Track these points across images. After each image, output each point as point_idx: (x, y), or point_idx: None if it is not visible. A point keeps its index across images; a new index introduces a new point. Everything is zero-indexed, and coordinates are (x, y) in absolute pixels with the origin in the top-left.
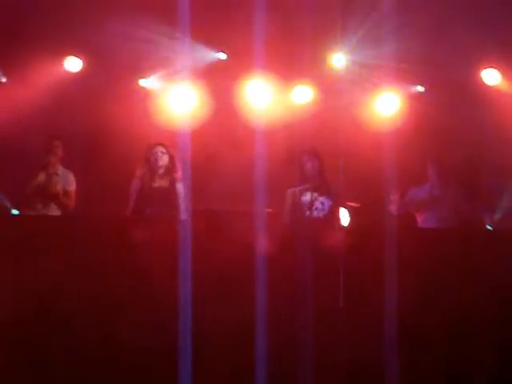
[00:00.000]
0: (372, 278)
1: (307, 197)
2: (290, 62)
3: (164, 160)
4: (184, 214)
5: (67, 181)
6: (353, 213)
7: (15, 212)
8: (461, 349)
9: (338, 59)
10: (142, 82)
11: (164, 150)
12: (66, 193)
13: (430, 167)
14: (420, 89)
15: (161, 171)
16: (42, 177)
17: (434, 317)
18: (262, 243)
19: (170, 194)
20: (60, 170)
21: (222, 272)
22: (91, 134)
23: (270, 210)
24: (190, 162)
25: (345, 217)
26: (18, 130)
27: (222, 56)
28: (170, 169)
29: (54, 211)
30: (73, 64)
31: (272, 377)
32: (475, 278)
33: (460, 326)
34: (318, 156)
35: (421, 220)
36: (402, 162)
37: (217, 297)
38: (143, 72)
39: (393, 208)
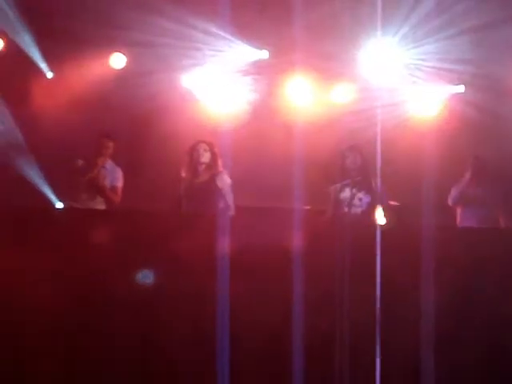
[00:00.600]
0: (409, 277)
1: (346, 193)
2: (331, 60)
3: (206, 157)
4: (225, 209)
5: (115, 176)
6: (392, 211)
7: (60, 205)
8: (497, 352)
9: (379, 58)
10: (185, 80)
11: (206, 147)
12: (113, 188)
13: (470, 166)
14: (461, 89)
15: (202, 168)
16: (88, 172)
17: (471, 318)
18: (300, 240)
19: (210, 189)
20: (109, 164)
21: (259, 268)
22: (135, 131)
23: (310, 207)
24: (231, 159)
25: (382, 215)
26: (63, 125)
27: (265, 54)
28: (212, 165)
29: (99, 205)
30: (117, 60)
31: (309, 376)
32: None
33: (498, 329)
34: (360, 151)
35: (460, 217)
36: (442, 163)
37: (254, 293)
38: (186, 69)
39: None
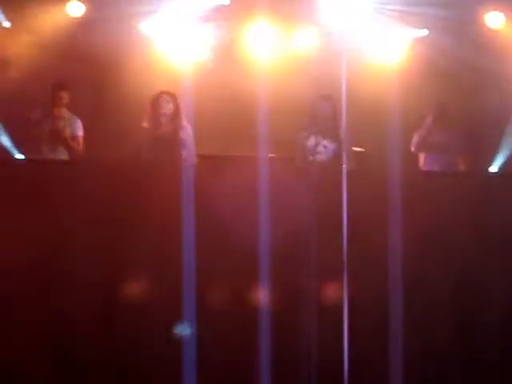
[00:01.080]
0: (376, 222)
1: (311, 141)
2: (293, 5)
3: (168, 108)
4: (188, 160)
5: (74, 126)
6: (357, 157)
7: (20, 156)
8: (462, 300)
9: (343, 2)
10: (144, 27)
11: (169, 99)
12: (73, 137)
13: (431, 112)
14: (424, 32)
15: (165, 119)
16: (48, 123)
17: (438, 260)
18: (266, 188)
19: (173, 141)
20: (66, 114)
21: (225, 218)
22: (95, 79)
23: (275, 155)
24: (193, 109)
25: (349, 161)
26: (21, 76)
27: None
28: (174, 117)
29: (61, 155)
30: (75, 8)
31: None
32: (477, 225)
33: (464, 269)
34: (331, 101)
35: (424, 163)
36: (407, 109)
37: (220, 247)
38: (146, 16)
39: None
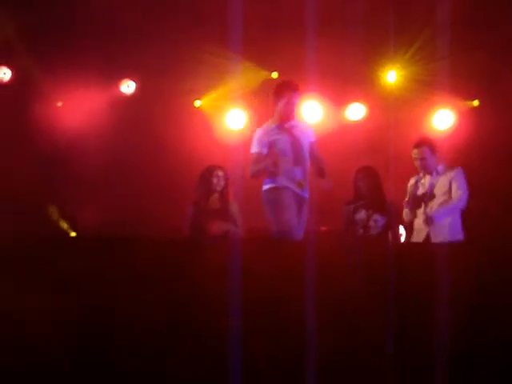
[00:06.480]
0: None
1: (361, 214)
2: (343, 80)
3: (221, 183)
4: (237, 234)
5: None
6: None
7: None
8: None
9: (391, 75)
10: (197, 103)
11: (220, 173)
12: None
13: None
14: (475, 103)
15: (216, 194)
16: None
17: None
18: (313, 262)
19: (224, 215)
20: None
21: (272, 294)
22: (146, 154)
23: (324, 227)
24: (242, 182)
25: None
26: (75, 153)
27: (275, 75)
28: (225, 191)
29: None
30: (127, 86)
31: None
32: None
33: None
34: (373, 172)
35: None
36: None
37: (267, 324)
38: (198, 93)
39: None
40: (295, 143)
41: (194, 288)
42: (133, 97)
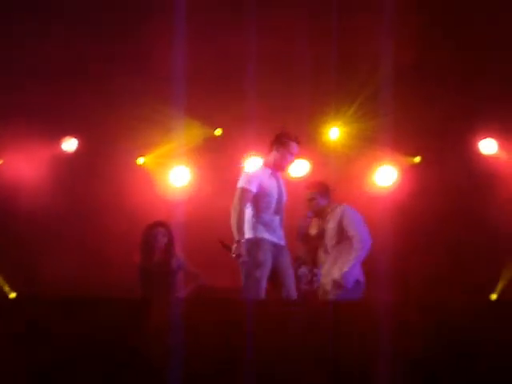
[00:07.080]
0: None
1: (303, 270)
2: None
3: (162, 241)
4: (180, 292)
5: None
6: None
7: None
8: None
9: (334, 132)
10: (140, 160)
11: (162, 229)
12: None
13: None
14: (417, 160)
15: (159, 252)
16: None
17: None
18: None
19: (168, 273)
20: None
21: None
22: (89, 212)
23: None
24: (186, 238)
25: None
26: (14, 211)
27: (218, 132)
28: (167, 248)
29: None
30: (69, 144)
31: None
32: None
33: None
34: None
35: None
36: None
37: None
38: (141, 150)
39: None
40: (280, 193)
41: (135, 348)
42: (75, 154)
